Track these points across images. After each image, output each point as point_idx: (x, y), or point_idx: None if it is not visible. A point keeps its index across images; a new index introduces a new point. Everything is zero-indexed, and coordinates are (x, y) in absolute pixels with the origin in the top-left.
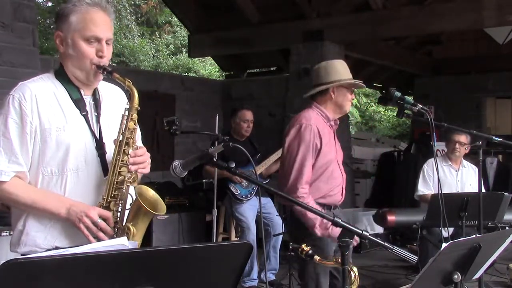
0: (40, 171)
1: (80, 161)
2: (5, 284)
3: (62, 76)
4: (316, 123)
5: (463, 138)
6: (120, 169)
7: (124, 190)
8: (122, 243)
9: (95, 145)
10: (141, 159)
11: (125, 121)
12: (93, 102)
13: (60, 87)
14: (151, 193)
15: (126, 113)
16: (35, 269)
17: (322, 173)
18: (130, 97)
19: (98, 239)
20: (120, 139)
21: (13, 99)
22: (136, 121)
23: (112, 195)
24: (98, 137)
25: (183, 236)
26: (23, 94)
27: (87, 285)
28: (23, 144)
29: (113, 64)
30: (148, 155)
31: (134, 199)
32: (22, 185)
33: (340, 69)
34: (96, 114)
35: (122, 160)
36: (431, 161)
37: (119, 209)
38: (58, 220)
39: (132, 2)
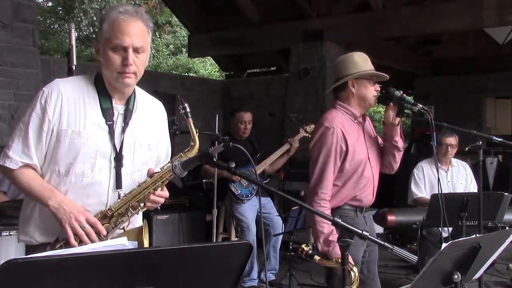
0: (50, 168)
1: (87, 167)
2: (5, 284)
3: (99, 82)
4: (341, 124)
5: (453, 140)
6: (141, 197)
7: (130, 214)
8: (122, 243)
9: (114, 156)
10: (159, 200)
11: (171, 163)
12: (123, 113)
13: (93, 93)
14: (146, 236)
15: (178, 157)
16: (35, 269)
17: (353, 174)
18: (190, 148)
19: (81, 243)
20: (161, 174)
21: (42, 95)
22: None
23: (119, 212)
24: (118, 149)
25: (183, 236)
26: (51, 91)
27: (87, 285)
28: (39, 139)
29: None
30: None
31: (128, 227)
32: (27, 174)
33: (358, 61)
34: (123, 124)
35: (149, 192)
36: (420, 164)
37: (115, 226)
38: (57, 223)
39: (132, 2)
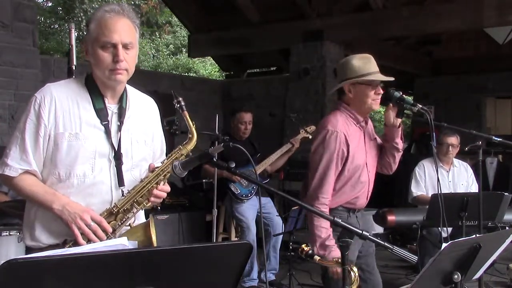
0: (50, 173)
1: (87, 168)
2: (5, 284)
3: (90, 83)
4: (344, 129)
5: (454, 140)
6: (145, 191)
7: (135, 210)
8: (122, 243)
9: (113, 154)
10: (162, 194)
11: (172, 156)
12: (116, 111)
13: (85, 94)
14: (153, 230)
15: (178, 150)
16: (35, 269)
17: (350, 179)
18: (188, 140)
19: (89, 241)
20: (162, 168)
21: (35, 101)
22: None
23: (125, 209)
24: (116, 147)
25: (183, 236)
26: (44, 96)
27: (87, 285)
28: (36, 145)
29: None
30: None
31: (134, 224)
32: (28, 180)
33: (355, 65)
34: (119, 123)
35: (152, 187)
36: (422, 163)
37: (121, 223)
38: (62, 224)
39: (132, 2)
